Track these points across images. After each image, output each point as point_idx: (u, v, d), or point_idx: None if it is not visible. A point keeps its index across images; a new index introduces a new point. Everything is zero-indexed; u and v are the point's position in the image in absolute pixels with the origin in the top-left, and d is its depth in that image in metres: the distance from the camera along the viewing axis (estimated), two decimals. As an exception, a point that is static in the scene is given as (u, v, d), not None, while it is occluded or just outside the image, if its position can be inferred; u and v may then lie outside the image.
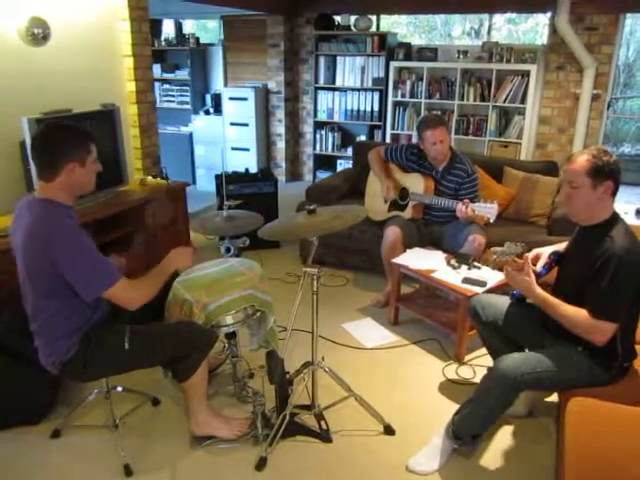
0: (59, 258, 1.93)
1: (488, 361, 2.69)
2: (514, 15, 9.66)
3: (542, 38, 8.57)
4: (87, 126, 2.16)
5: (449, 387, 2.86)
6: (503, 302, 2.49)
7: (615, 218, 2.09)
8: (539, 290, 2.15)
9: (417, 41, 10.96)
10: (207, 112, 6.89)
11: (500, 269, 2.24)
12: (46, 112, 3.29)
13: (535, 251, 2.42)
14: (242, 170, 4.86)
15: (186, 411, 2.45)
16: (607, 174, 2.02)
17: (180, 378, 2.26)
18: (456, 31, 11.08)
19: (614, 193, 2.07)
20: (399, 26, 10.40)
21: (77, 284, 1.97)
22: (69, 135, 2.04)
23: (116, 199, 3.73)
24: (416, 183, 3.64)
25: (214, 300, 2.35)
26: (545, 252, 2.40)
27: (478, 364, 3.03)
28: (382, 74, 6.27)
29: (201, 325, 2.31)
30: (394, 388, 2.85)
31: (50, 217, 1.98)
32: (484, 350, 2.74)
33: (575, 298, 2.08)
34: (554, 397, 2.64)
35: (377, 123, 6.47)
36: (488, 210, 3.13)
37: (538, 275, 2.28)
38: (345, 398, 2.61)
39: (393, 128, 6.33)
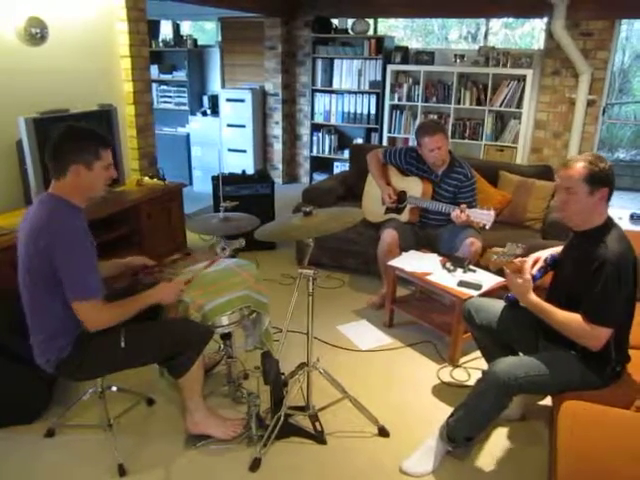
0: (57, 254, 1.95)
1: (482, 364, 2.70)
2: (511, 20, 9.72)
3: (538, 43, 8.61)
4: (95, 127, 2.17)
5: (443, 390, 2.87)
6: (497, 306, 2.50)
7: (609, 224, 2.10)
8: (533, 296, 2.16)
9: (414, 45, 11.00)
10: (204, 113, 6.90)
11: (500, 270, 2.24)
12: (43, 112, 3.29)
13: (533, 256, 2.43)
14: (239, 172, 4.87)
15: (182, 410, 2.45)
16: (603, 181, 2.03)
17: (175, 375, 2.27)
18: (453, 35, 11.13)
19: (608, 199, 2.09)
20: (396, 30, 10.44)
21: (64, 283, 1.99)
22: (78, 138, 2.06)
23: (112, 199, 3.73)
24: (414, 186, 3.65)
25: (210, 301, 2.35)
26: (542, 255, 2.41)
27: (472, 367, 3.04)
28: (379, 77, 6.29)
29: (196, 322, 2.31)
30: (389, 390, 2.86)
31: (60, 214, 2.01)
32: (478, 353, 2.74)
33: (569, 303, 2.09)
34: (547, 400, 2.65)
35: (374, 126, 6.49)
36: (484, 217, 3.14)
37: (533, 279, 2.29)
38: (340, 400, 2.62)
39: (390, 131, 6.35)
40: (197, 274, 2.49)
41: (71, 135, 2.07)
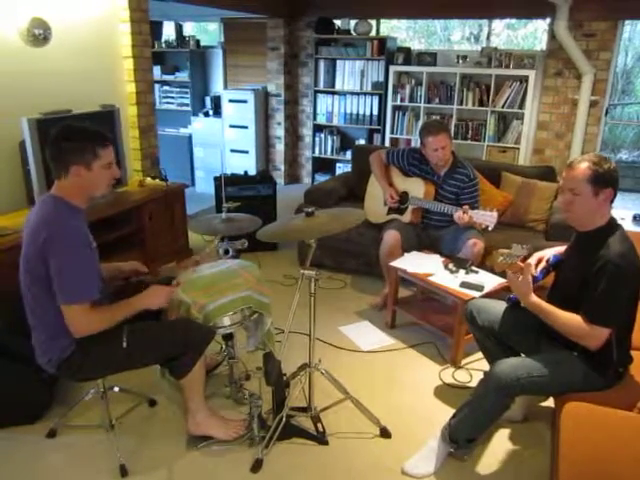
0: (53, 254, 1.95)
1: (484, 365, 2.70)
2: (513, 20, 9.71)
3: (541, 44, 8.61)
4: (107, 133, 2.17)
5: (445, 391, 2.86)
6: (499, 307, 2.49)
7: (612, 225, 2.10)
8: (534, 297, 2.16)
9: (416, 46, 11.00)
10: (206, 114, 6.91)
11: (504, 272, 2.24)
12: (46, 113, 3.29)
13: (536, 255, 2.43)
14: (241, 172, 4.88)
15: (184, 411, 2.45)
16: (608, 182, 2.03)
17: (177, 375, 2.27)
18: (455, 36, 11.12)
19: (612, 200, 2.08)
20: (398, 31, 10.44)
21: (55, 285, 1.98)
22: (75, 138, 2.04)
23: (114, 200, 3.74)
24: (417, 187, 3.65)
25: (212, 301, 2.35)
26: (546, 255, 2.41)
27: (474, 368, 3.04)
28: (381, 78, 6.29)
29: (198, 322, 2.31)
30: (391, 391, 2.85)
31: (60, 215, 2.01)
32: (481, 354, 2.74)
33: (570, 303, 2.09)
34: (549, 402, 2.65)
35: (376, 127, 6.49)
36: (487, 218, 3.13)
37: (535, 280, 2.29)
38: (341, 401, 2.62)
39: (392, 132, 6.35)
40: (185, 276, 2.49)
41: (68, 135, 2.05)
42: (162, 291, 2.24)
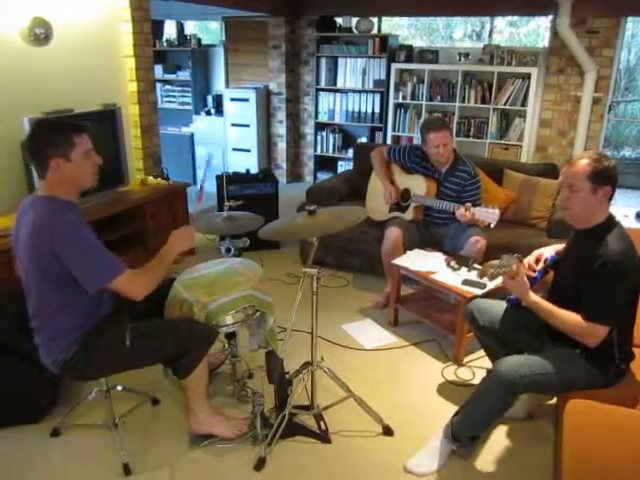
0: (62, 251, 1.93)
1: (487, 363, 2.69)
2: (515, 18, 9.68)
3: (543, 41, 8.58)
4: (82, 122, 2.13)
5: (448, 388, 2.86)
6: (500, 307, 2.49)
7: (611, 222, 2.10)
8: (533, 296, 2.15)
9: (418, 43, 10.96)
10: (208, 113, 6.91)
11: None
12: (47, 112, 3.30)
13: (536, 253, 2.43)
14: (243, 171, 4.87)
15: (187, 409, 2.46)
16: (607, 179, 2.03)
17: (180, 375, 2.27)
18: (457, 33, 11.10)
19: (611, 198, 2.08)
20: (400, 28, 10.42)
21: (80, 276, 1.97)
22: (47, 132, 2.02)
23: (117, 199, 3.75)
24: (418, 184, 3.64)
25: (214, 300, 2.35)
26: (545, 253, 2.40)
27: (477, 366, 3.03)
28: (383, 76, 6.28)
29: (201, 322, 2.31)
30: (393, 389, 2.85)
31: (51, 212, 1.98)
32: (483, 352, 2.74)
33: (570, 301, 2.09)
34: (552, 400, 2.65)
35: (378, 125, 6.48)
36: (489, 215, 3.13)
37: (534, 279, 2.29)
38: (344, 399, 2.62)
39: (394, 130, 6.34)
40: (187, 275, 2.49)
41: (41, 130, 2.03)
42: (186, 232, 2.25)
